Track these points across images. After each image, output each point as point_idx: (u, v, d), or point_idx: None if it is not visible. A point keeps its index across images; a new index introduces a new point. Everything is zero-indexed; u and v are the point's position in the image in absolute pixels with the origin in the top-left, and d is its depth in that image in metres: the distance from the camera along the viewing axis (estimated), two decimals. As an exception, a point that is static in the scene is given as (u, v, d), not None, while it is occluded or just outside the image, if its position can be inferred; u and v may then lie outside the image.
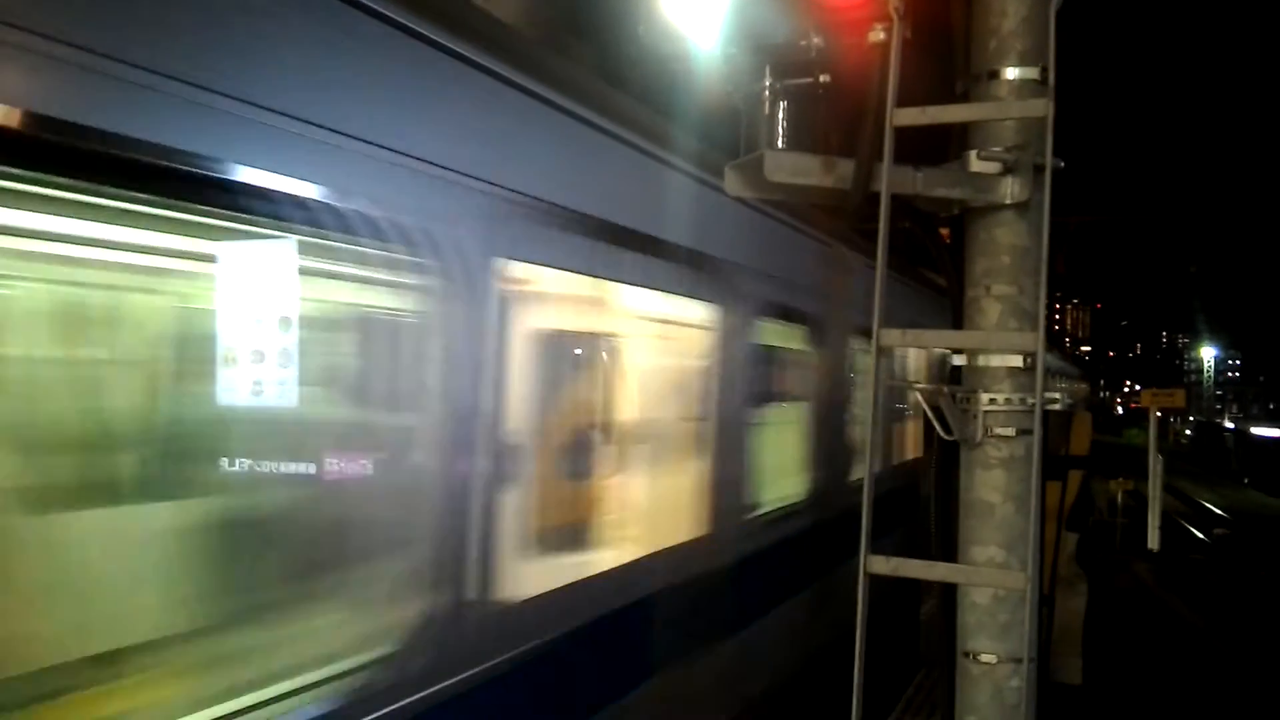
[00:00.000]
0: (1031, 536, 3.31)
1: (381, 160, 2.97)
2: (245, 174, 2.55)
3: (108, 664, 3.45)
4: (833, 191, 3.44)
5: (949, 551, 3.63)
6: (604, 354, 5.11)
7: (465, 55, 3.37)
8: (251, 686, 2.89)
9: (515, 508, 3.75)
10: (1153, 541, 18.88)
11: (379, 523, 3.62)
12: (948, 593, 3.67)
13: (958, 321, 3.62)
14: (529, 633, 3.69)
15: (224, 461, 3.59)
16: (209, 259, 2.90)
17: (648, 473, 5.30)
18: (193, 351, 3.76)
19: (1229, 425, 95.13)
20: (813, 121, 3.65)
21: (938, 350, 8.32)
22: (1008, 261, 3.43)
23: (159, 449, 3.98)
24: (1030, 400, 3.37)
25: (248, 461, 3.52)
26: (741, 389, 5.53)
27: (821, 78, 3.61)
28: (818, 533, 6.82)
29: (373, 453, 3.61)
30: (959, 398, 3.49)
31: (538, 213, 3.71)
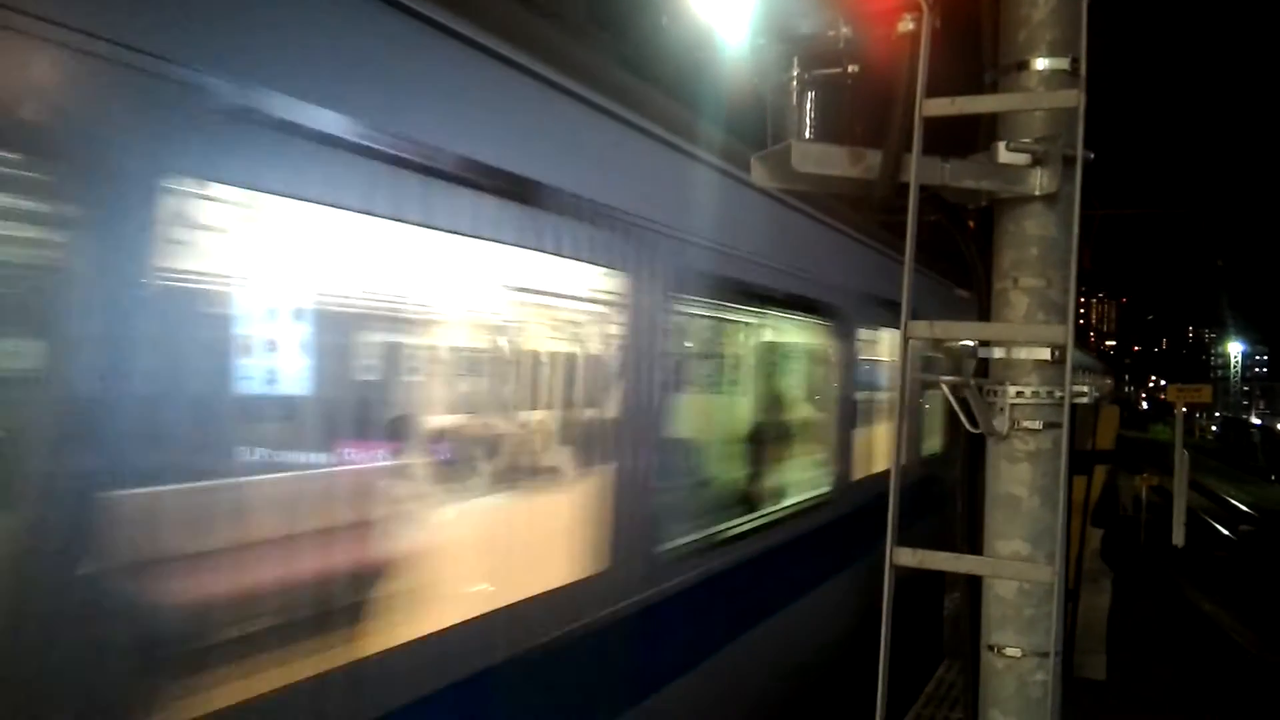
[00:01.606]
0: (1059, 530, 3.30)
1: None
2: None
3: None
4: (859, 182, 3.43)
5: (974, 545, 3.62)
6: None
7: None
8: None
9: None
10: (1178, 538, 18.75)
11: None
12: (973, 586, 3.66)
13: (985, 314, 3.60)
14: None
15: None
16: None
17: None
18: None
19: (1256, 421, 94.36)
20: (840, 112, 3.64)
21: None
22: (1036, 254, 3.42)
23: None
24: (1058, 394, 3.36)
25: None
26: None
27: (850, 68, 3.59)
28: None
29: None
30: (986, 390, 3.48)
31: None
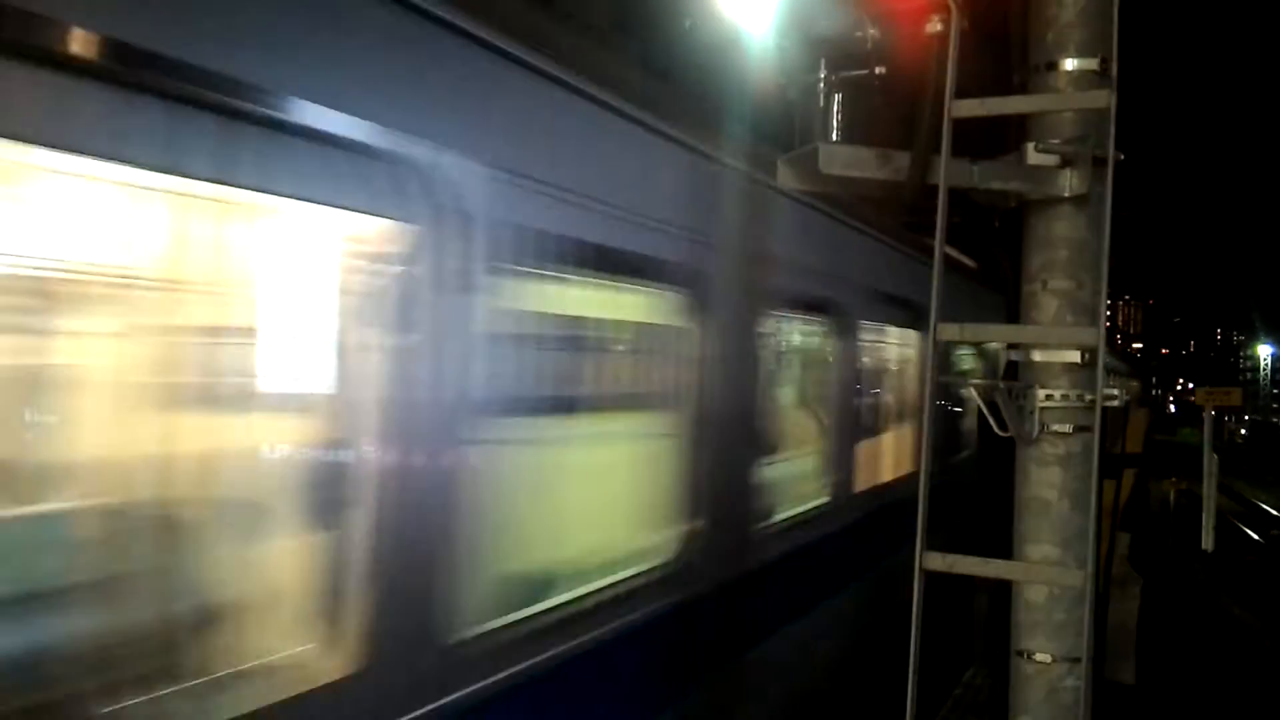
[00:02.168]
0: (1091, 535, 3.27)
1: None
2: None
3: None
4: (887, 184, 3.41)
5: (1002, 549, 3.59)
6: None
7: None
8: None
9: None
10: (1207, 542, 18.60)
11: None
12: (1001, 591, 3.64)
13: (1013, 315, 3.58)
14: None
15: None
16: None
17: None
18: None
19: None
20: (868, 114, 3.63)
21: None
22: (1066, 255, 3.39)
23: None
24: (1088, 396, 3.33)
25: None
26: None
27: (877, 69, 3.58)
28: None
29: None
30: (1015, 393, 3.45)
31: None
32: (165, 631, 2.26)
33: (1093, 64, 3.37)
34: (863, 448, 6.24)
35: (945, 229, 3.25)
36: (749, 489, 4.60)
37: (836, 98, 3.63)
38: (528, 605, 3.15)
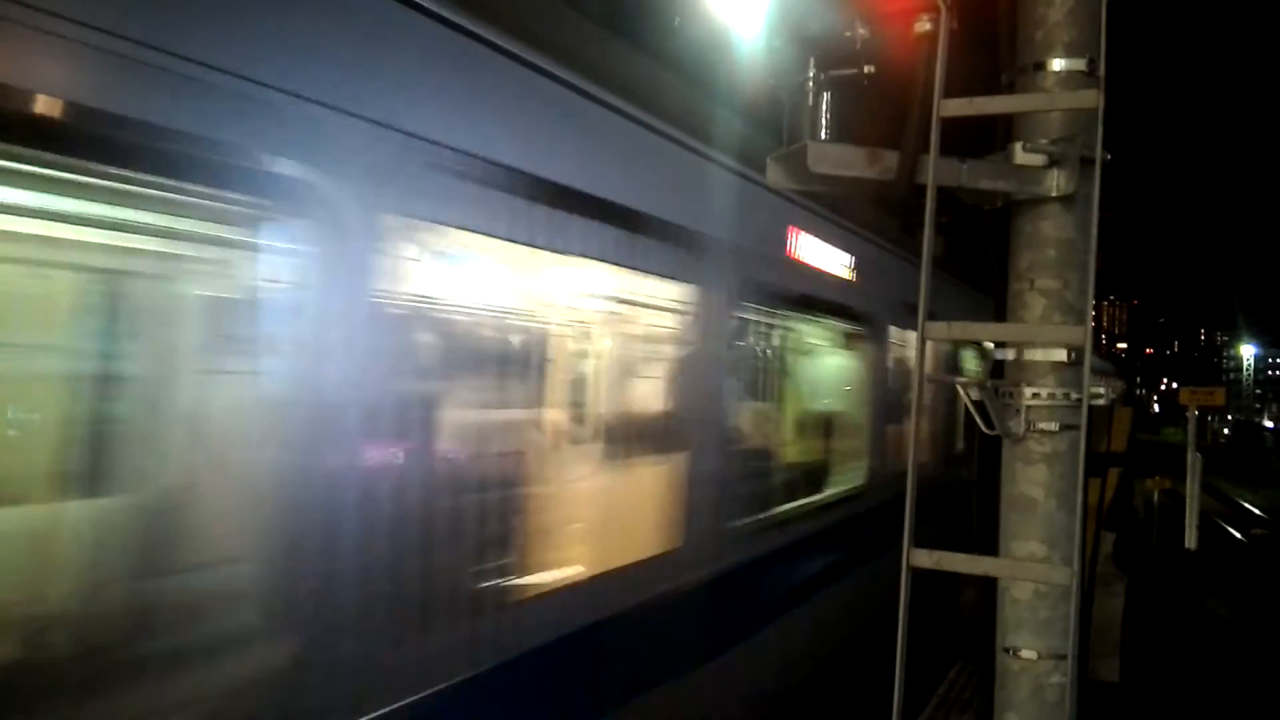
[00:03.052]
0: (1077, 532, 3.28)
1: None
2: None
3: None
4: (876, 183, 3.42)
5: (989, 547, 3.61)
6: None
7: None
8: None
9: None
10: (1190, 541, 18.70)
11: None
12: (988, 588, 3.65)
13: (1000, 314, 3.59)
14: None
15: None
16: None
17: None
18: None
19: (1269, 424, 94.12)
20: (857, 113, 3.63)
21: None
22: (1053, 255, 3.40)
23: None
24: (1074, 395, 3.34)
25: None
26: None
27: (866, 69, 3.58)
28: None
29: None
30: (1001, 392, 3.46)
31: None
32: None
33: (1081, 64, 3.38)
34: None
35: (934, 227, 3.27)
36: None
37: (825, 96, 3.63)
38: None
